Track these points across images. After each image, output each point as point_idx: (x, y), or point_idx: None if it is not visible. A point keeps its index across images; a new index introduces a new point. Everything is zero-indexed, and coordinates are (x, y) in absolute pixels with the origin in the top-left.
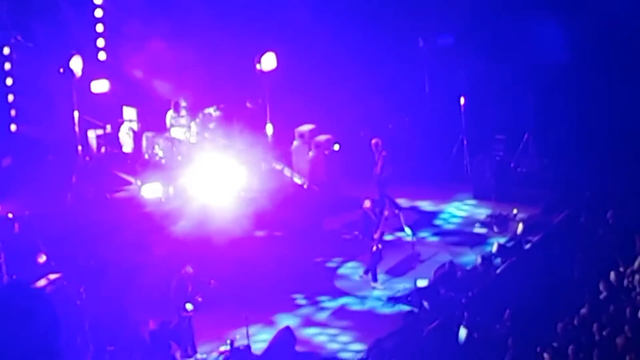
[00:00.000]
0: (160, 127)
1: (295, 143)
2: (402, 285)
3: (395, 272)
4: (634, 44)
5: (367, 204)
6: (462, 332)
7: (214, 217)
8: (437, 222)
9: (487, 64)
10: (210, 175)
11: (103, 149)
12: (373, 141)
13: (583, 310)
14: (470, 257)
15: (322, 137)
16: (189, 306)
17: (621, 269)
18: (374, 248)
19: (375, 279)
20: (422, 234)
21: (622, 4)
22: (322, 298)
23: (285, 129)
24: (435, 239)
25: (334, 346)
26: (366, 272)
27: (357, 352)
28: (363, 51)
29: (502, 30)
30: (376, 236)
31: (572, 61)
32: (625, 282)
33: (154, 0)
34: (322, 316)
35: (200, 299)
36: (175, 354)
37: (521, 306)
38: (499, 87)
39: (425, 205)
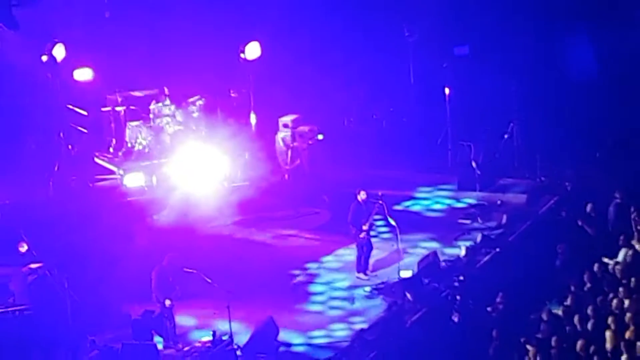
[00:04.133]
0: (144, 117)
1: (279, 133)
2: (385, 277)
3: (378, 263)
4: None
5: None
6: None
7: (196, 207)
8: (422, 212)
9: (472, 55)
10: (193, 165)
11: (86, 138)
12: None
13: (567, 302)
14: (455, 248)
15: (305, 127)
16: (171, 296)
17: (605, 260)
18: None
19: (365, 271)
20: (406, 225)
21: None
22: (306, 287)
23: (269, 119)
24: (419, 229)
25: (317, 334)
26: (358, 270)
27: (340, 342)
28: (348, 41)
29: (489, 22)
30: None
31: (557, 52)
32: (609, 274)
33: None
34: (305, 305)
35: (181, 289)
36: (158, 344)
37: (506, 296)
38: (483, 77)
39: (410, 195)
